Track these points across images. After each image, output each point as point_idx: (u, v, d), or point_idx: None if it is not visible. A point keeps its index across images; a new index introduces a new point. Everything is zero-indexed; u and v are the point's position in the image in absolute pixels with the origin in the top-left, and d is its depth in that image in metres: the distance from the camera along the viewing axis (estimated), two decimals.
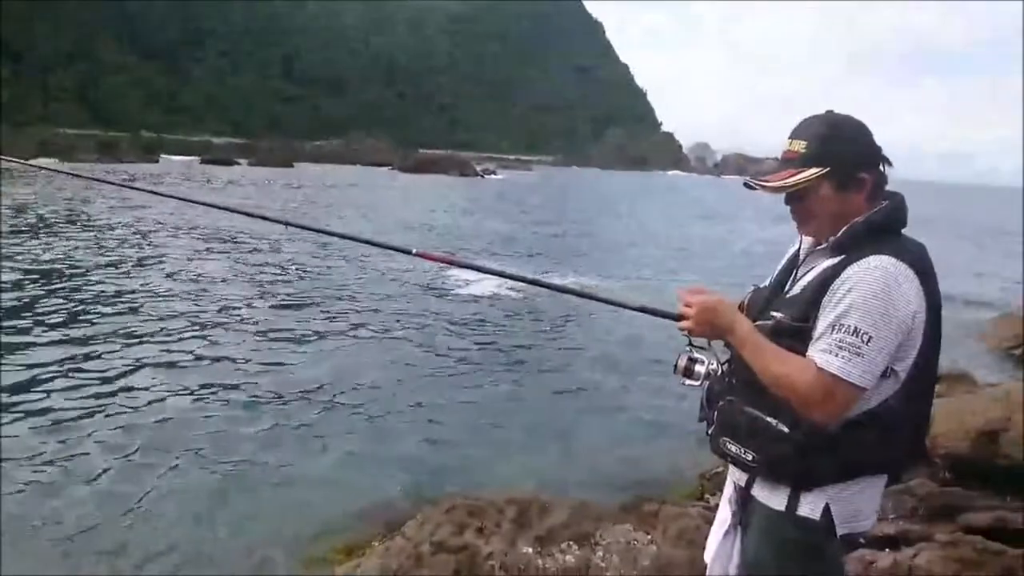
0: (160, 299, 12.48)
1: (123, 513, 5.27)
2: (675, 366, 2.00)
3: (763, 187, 1.87)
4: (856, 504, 1.88)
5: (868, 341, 1.68)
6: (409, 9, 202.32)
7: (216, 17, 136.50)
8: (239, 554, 4.80)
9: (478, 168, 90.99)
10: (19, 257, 15.48)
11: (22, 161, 4.01)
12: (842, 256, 1.81)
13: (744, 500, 2.00)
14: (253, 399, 7.86)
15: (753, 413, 1.88)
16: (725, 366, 2.01)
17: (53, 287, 12.96)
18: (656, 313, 2.12)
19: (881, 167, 1.88)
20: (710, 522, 2.33)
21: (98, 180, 2.34)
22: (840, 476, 1.84)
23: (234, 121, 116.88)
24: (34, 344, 9.35)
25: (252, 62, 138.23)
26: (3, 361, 8.42)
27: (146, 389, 7.93)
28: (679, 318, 1.96)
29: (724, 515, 2.15)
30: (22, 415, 6.95)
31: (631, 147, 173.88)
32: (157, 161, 64.99)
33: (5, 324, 10.11)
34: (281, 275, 15.76)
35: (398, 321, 12.07)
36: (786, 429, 1.80)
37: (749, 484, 1.96)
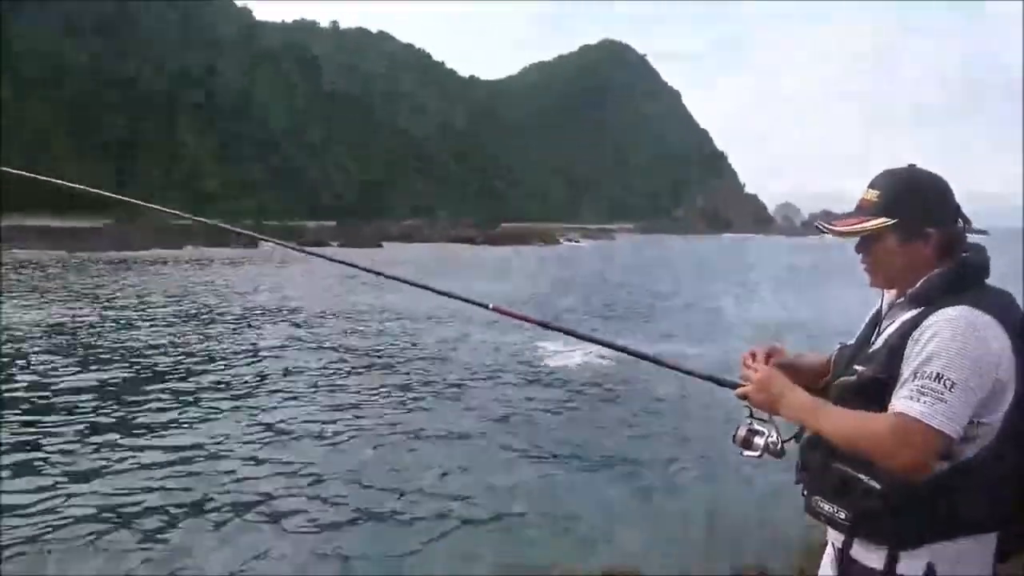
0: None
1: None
2: (734, 436, 1.99)
3: (831, 231, 1.93)
4: (964, 564, 1.79)
5: (951, 387, 1.66)
6: (483, 86, 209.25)
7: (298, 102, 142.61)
8: None
9: (561, 239, 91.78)
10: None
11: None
12: (921, 308, 1.82)
13: (843, 560, 1.98)
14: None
15: (842, 469, 1.85)
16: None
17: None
18: (719, 382, 2.12)
19: (959, 222, 1.88)
20: None
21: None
22: (940, 534, 1.77)
23: (322, 203, 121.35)
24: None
25: (335, 143, 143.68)
26: None
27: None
28: (734, 385, 2.00)
29: (825, 572, 2.08)
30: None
31: (714, 210, 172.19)
32: (256, 247, 68.01)
33: None
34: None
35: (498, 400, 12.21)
36: (877, 485, 1.78)
37: (847, 544, 1.93)
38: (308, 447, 9.22)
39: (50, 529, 6.53)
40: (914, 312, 1.82)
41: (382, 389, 12.42)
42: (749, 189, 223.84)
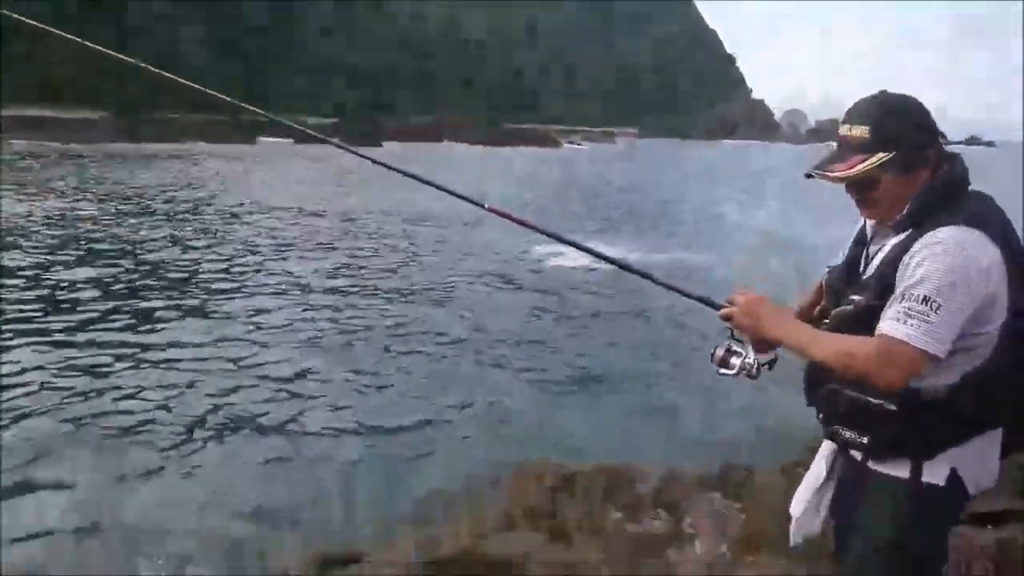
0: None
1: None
2: (712, 354, 2.01)
3: (827, 177, 1.84)
4: (980, 461, 1.88)
5: (937, 309, 1.68)
6: None
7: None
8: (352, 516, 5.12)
9: (563, 142, 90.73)
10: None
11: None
12: (909, 231, 1.81)
13: (860, 469, 1.98)
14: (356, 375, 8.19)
15: (855, 396, 1.87)
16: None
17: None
18: (708, 303, 2.11)
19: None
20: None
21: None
22: (958, 438, 1.83)
23: (323, 100, 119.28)
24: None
25: (342, 39, 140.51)
26: None
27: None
28: (720, 307, 2.00)
29: (817, 471, 2.15)
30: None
31: (719, 117, 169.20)
32: (254, 143, 67.24)
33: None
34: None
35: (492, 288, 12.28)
36: (893, 407, 1.80)
37: (865, 459, 1.96)
38: (296, 351, 9.32)
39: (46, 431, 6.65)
40: (903, 236, 1.82)
41: (376, 290, 12.46)
42: (756, 94, 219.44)
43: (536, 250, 16.52)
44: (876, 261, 1.88)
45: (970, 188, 1.87)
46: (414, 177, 2.58)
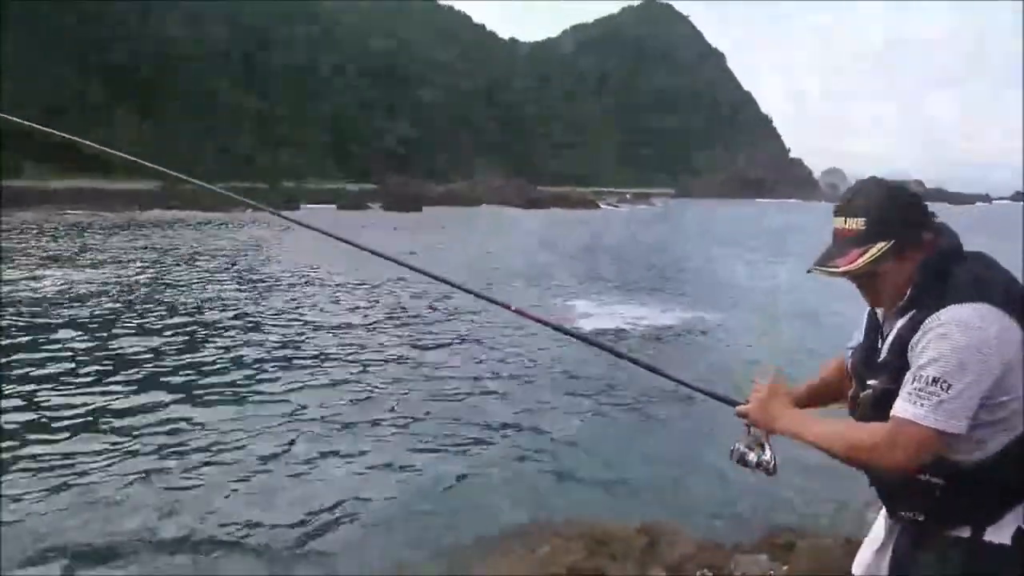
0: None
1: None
2: (731, 451, 2.08)
3: (830, 273, 1.86)
4: None
5: (948, 388, 1.68)
6: (524, 48, 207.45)
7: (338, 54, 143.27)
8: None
9: (601, 204, 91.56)
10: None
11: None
12: (914, 311, 1.83)
13: (915, 528, 1.95)
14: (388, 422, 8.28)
15: (904, 475, 1.84)
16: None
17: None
18: (718, 398, 2.17)
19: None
20: (849, 552, 2.32)
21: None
22: (1016, 501, 1.82)
23: (360, 165, 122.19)
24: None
25: (375, 104, 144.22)
26: None
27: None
28: (736, 404, 2.08)
29: (878, 531, 2.13)
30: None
31: (756, 175, 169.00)
32: (298, 208, 68.85)
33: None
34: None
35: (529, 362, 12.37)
36: (942, 481, 1.80)
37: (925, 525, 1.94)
38: (326, 399, 9.51)
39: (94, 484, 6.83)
40: (907, 318, 1.85)
41: (404, 345, 12.64)
42: (794, 154, 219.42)
43: (573, 304, 16.69)
44: (887, 344, 1.90)
45: (967, 252, 1.88)
46: (442, 280, 2.69)
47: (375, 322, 15.14)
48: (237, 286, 20.29)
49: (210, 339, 13.30)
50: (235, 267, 24.91)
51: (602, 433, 8.56)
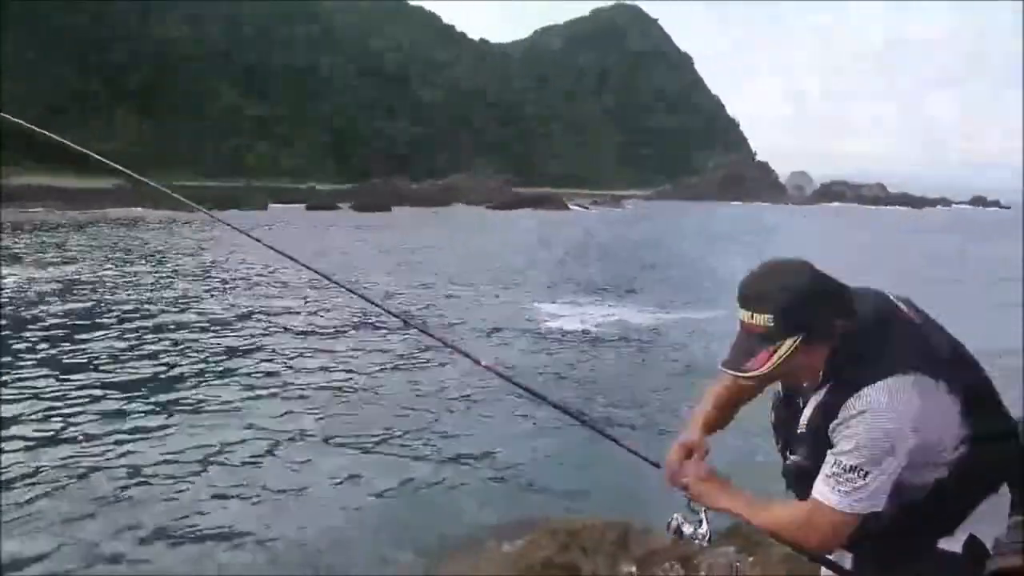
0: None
1: None
2: (667, 525, 2.06)
3: (746, 377, 1.80)
4: (995, 518, 1.88)
5: (865, 475, 1.70)
6: (495, 50, 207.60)
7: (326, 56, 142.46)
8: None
9: (570, 205, 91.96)
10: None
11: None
12: (829, 390, 1.81)
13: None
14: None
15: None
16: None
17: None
18: (649, 461, 2.11)
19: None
20: None
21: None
22: (961, 516, 1.85)
23: (360, 166, 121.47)
24: None
25: (363, 102, 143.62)
26: None
27: None
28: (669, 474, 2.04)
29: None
30: None
31: (728, 177, 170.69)
32: (265, 208, 68.24)
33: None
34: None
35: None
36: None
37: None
38: (303, 404, 9.51)
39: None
40: (823, 394, 1.82)
41: (383, 350, 12.58)
42: (760, 157, 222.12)
43: (535, 310, 16.79)
44: (806, 416, 1.87)
45: (888, 305, 1.86)
46: (408, 323, 2.70)
47: (340, 326, 14.95)
48: (196, 285, 20.05)
49: (166, 338, 13.13)
50: (194, 266, 24.62)
51: (566, 442, 8.63)
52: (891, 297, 1.91)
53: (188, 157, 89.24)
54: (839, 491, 1.72)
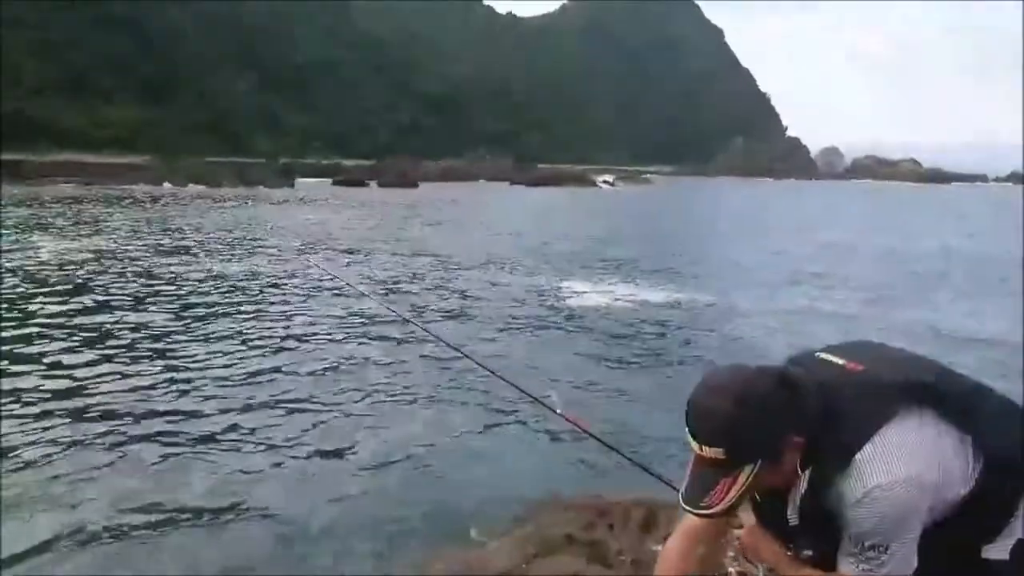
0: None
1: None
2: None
3: (704, 515, 1.69)
4: None
5: (886, 550, 1.64)
6: (518, 24, 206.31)
7: (332, 47, 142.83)
8: (375, 536, 5.12)
9: (598, 181, 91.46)
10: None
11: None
12: (808, 471, 1.71)
13: None
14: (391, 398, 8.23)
15: None
16: None
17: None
18: (672, 487, 2.05)
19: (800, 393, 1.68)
20: None
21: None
22: (1005, 519, 1.77)
23: (359, 147, 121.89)
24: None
25: (371, 86, 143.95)
26: None
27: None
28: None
29: None
30: None
31: (755, 154, 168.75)
32: (293, 185, 68.57)
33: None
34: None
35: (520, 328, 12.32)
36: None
37: None
38: (332, 372, 9.46)
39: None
40: (806, 480, 1.73)
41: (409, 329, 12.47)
42: (791, 132, 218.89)
43: (562, 288, 16.68)
44: (793, 511, 1.79)
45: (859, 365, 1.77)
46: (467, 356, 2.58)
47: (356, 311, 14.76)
48: (221, 261, 20.16)
49: (187, 313, 13.17)
50: (219, 241, 24.78)
51: (610, 406, 8.52)
52: (829, 357, 1.81)
53: (203, 139, 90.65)
54: (863, 570, 1.67)
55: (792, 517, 1.78)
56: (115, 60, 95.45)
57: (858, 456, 1.63)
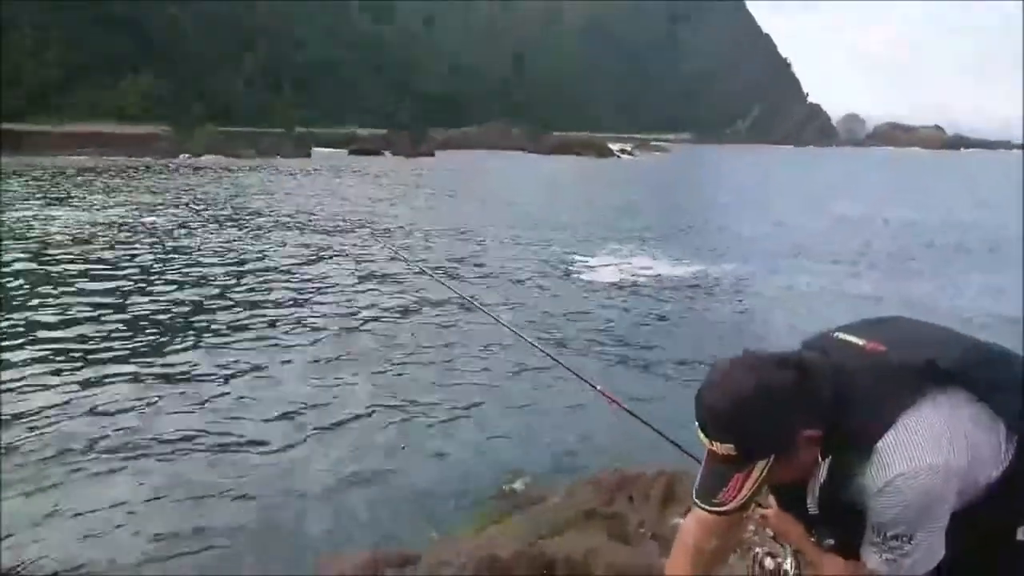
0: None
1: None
2: (754, 557, 1.96)
3: (720, 512, 1.62)
4: None
5: (911, 539, 1.57)
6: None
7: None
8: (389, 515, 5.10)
9: (615, 150, 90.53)
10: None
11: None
12: (828, 460, 1.64)
13: None
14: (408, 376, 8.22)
15: None
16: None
17: None
18: (692, 456, 1.99)
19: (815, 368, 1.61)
20: None
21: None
22: None
23: (374, 115, 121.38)
24: None
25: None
26: None
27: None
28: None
29: None
30: None
31: (775, 122, 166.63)
32: (309, 155, 68.44)
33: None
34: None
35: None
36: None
37: None
38: (339, 348, 9.46)
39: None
40: (826, 469, 1.64)
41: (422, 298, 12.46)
42: (812, 99, 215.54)
43: (579, 258, 16.57)
44: (813, 500, 1.72)
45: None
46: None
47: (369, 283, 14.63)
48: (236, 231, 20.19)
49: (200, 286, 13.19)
50: (234, 211, 24.81)
51: (621, 379, 8.46)
52: (846, 337, 1.73)
53: (216, 110, 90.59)
54: (887, 560, 1.60)
55: (812, 507, 1.71)
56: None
57: (879, 444, 1.55)
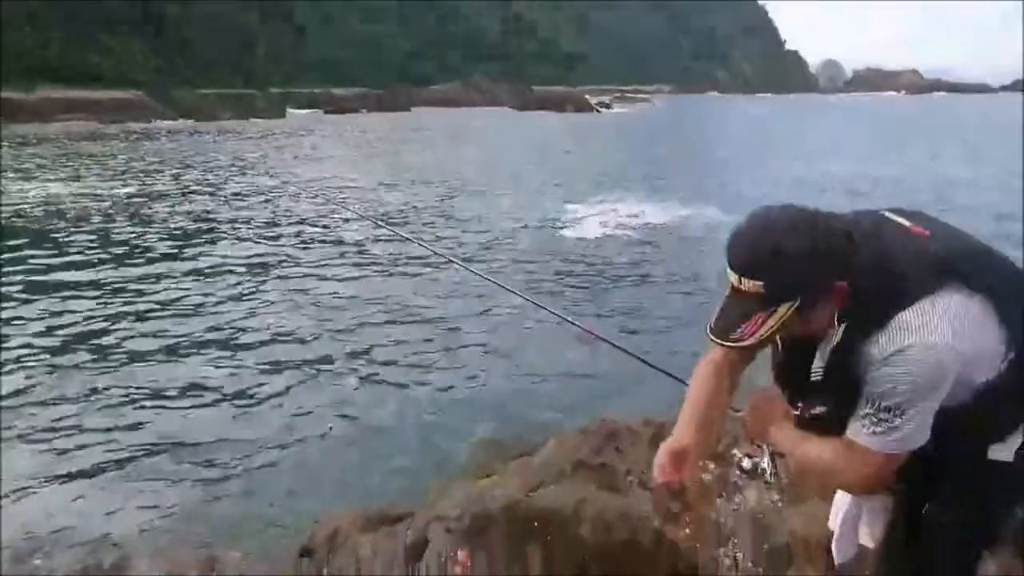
0: None
1: None
2: (738, 462, 1.99)
3: (736, 346, 1.64)
4: None
5: (902, 414, 1.59)
6: None
7: None
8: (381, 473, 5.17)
9: (593, 102, 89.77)
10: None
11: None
12: (844, 325, 1.65)
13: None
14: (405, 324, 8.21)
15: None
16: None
17: None
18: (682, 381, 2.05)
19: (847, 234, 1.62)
20: None
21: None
22: (1016, 421, 1.73)
23: (355, 73, 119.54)
24: None
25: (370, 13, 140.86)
26: None
27: None
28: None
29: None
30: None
31: (754, 69, 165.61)
32: (284, 116, 67.56)
33: None
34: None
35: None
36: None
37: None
38: (325, 311, 9.44)
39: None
40: (841, 333, 1.66)
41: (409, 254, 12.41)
42: (789, 46, 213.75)
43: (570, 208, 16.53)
44: (819, 366, 1.74)
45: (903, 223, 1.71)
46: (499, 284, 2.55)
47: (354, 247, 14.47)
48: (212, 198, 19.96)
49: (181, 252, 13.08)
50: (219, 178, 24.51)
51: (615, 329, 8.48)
52: (894, 217, 1.75)
53: (206, 78, 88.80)
54: (874, 432, 1.62)
55: (816, 371, 1.74)
56: (90, 22, 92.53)
57: (900, 314, 1.59)
